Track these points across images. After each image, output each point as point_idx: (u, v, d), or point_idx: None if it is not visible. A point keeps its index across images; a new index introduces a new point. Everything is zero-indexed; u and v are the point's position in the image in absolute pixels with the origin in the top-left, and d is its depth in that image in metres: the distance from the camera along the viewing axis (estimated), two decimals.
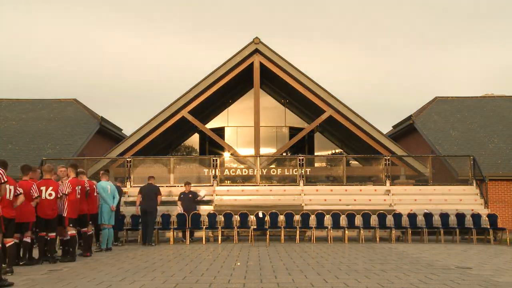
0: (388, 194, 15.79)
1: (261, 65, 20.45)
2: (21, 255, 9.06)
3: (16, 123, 22.53)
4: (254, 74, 20.49)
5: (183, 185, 15.43)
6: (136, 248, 12.53)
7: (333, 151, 25.46)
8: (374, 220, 14.07)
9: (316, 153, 24.41)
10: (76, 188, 9.81)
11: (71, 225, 9.65)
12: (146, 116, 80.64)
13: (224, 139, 22.99)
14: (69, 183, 9.66)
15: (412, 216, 14.18)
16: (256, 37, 20.00)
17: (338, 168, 18.90)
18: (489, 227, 14.15)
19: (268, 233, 13.34)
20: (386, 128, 28.28)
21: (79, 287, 6.65)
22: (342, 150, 25.19)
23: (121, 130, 25.64)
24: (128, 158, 17.63)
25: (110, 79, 68.50)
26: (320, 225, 13.94)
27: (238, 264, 8.77)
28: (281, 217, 13.97)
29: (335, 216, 14.18)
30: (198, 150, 25.08)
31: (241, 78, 21.46)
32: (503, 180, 18.82)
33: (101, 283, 6.87)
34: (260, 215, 13.88)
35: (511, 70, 64.00)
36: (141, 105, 65.01)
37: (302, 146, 23.82)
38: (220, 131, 23.55)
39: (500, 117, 22.99)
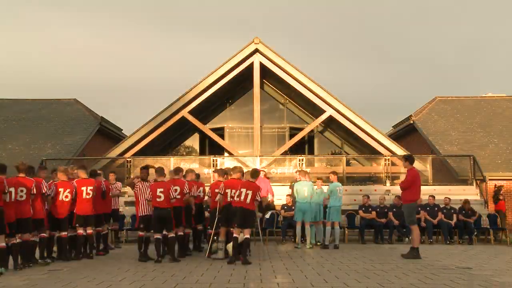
0: (388, 194, 15.78)
1: (261, 65, 20.43)
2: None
3: (16, 123, 22.53)
4: (254, 74, 20.47)
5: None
6: (136, 248, 12.51)
7: (333, 151, 25.43)
8: None
9: (316, 153, 24.37)
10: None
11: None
12: (146, 116, 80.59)
13: (224, 139, 22.97)
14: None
15: None
16: (256, 37, 19.99)
17: (338, 168, 18.88)
18: (489, 227, 14.17)
19: (267, 232, 13.34)
20: (386, 128, 28.28)
21: (79, 287, 6.65)
22: (342, 150, 25.15)
23: (121, 130, 25.65)
24: (128, 158, 17.62)
25: (110, 79, 68.53)
26: None
27: None
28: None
29: None
30: (198, 150, 25.06)
31: (241, 78, 21.45)
32: (503, 180, 18.81)
33: (101, 283, 6.88)
34: (269, 215, 13.53)
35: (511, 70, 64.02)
36: (141, 105, 65.03)
37: (302, 146, 23.80)
38: (220, 131, 23.52)
39: (500, 117, 22.98)
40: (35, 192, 8.57)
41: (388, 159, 17.47)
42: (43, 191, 8.85)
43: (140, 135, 19.69)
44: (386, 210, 13.97)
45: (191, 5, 70.36)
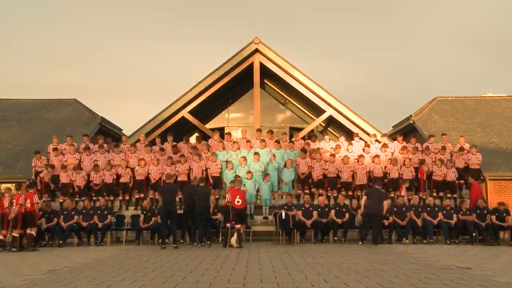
0: None
1: (261, 65, 20.42)
2: None
3: (16, 123, 22.52)
4: (254, 74, 20.46)
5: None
6: (136, 248, 12.54)
7: None
8: None
9: None
10: None
11: None
12: (146, 116, 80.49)
13: (224, 139, 22.99)
14: None
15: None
16: (256, 37, 19.98)
17: None
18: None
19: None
20: (386, 128, 28.26)
21: (79, 287, 6.65)
22: None
23: (121, 130, 25.62)
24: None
25: (110, 79, 68.51)
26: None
27: None
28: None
29: None
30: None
31: (241, 78, 21.44)
32: (503, 180, 18.79)
33: (101, 283, 6.87)
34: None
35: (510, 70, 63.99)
36: (141, 105, 64.98)
37: None
38: (220, 131, 23.55)
39: (500, 117, 22.97)
40: None
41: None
42: None
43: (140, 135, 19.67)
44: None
45: (191, 5, 70.41)
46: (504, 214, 13.91)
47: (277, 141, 16.31)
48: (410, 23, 68.21)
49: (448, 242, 13.35)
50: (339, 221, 13.70)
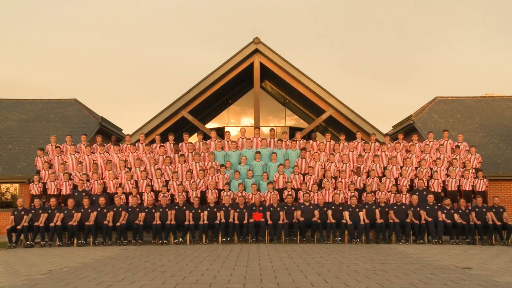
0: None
1: (261, 65, 20.44)
2: None
3: (16, 123, 22.54)
4: (254, 74, 20.48)
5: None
6: (135, 248, 12.54)
7: None
8: None
9: None
10: None
11: None
12: (146, 116, 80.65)
13: (224, 139, 23.01)
14: None
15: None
16: (256, 37, 19.98)
17: None
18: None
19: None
20: (386, 128, 28.30)
21: (79, 287, 6.65)
22: None
23: (121, 130, 25.65)
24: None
25: (110, 79, 68.54)
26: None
27: None
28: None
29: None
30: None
31: (241, 78, 21.44)
32: (503, 180, 18.82)
33: (101, 283, 6.87)
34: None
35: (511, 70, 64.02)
36: (141, 105, 65.04)
37: None
38: (220, 131, 23.58)
39: (500, 117, 22.99)
40: None
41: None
42: None
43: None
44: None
45: (190, 4, 70.45)
46: (501, 210, 13.94)
47: (280, 140, 16.35)
48: (411, 22, 68.25)
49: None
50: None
